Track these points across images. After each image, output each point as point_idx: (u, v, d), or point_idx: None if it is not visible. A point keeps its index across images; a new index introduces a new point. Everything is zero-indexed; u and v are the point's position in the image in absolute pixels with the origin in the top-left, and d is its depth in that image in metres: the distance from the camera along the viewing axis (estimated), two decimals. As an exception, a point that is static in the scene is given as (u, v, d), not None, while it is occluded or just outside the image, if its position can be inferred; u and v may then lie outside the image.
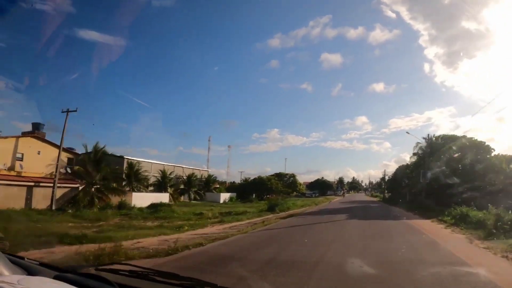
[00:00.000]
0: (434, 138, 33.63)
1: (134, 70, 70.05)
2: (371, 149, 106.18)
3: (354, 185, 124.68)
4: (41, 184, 22.62)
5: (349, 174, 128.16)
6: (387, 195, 56.23)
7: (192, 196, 41.97)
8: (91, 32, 62.21)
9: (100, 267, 2.00)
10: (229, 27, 78.33)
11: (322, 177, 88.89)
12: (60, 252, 7.47)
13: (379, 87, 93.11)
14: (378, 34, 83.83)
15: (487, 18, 62.36)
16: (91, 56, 63.25)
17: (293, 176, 66.96)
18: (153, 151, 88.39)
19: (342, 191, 78.21)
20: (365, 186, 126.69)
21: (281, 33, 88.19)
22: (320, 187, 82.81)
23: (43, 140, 26.32)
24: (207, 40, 75.10)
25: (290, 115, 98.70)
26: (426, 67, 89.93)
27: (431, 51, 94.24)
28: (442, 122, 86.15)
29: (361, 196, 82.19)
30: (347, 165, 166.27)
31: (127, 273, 1.91)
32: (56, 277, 1.67)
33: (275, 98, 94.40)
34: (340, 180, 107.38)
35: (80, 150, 28.56)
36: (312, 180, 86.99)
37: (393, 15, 79.13)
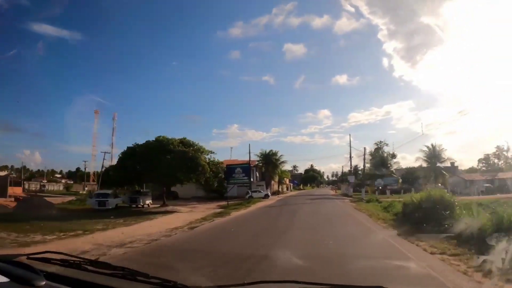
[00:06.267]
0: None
1: (89, 67, 65.17)
2: (332, 143, 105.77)
3: (313, 175, 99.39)
4: None
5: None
6: None
7: None
8: (44, 26, 56.65)
9: (32, 256, 2.00)
10: (188, 15, 73.63)
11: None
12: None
13: (343, 79, 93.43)
14: (345, 23, 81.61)
15: (445, 13, 64.44)
16: (45, 50, 58.00)
17: None
18: (115, 150, 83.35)
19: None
20: (327, 179, 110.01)
21: (242, 22, 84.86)
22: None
23: None
24: (165, 28, 70.69)
25: (251, 109, 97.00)
26: (385, 61, 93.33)
27: (390, 46, 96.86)
28: (402, 116, 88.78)
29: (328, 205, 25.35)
30: (308, 160, 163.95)
31: (58, 262, 1.94)
32: None
33: (235, 91, 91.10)
34: (267, 156, 48.07)
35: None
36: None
37: (352, 9, 79.56)
